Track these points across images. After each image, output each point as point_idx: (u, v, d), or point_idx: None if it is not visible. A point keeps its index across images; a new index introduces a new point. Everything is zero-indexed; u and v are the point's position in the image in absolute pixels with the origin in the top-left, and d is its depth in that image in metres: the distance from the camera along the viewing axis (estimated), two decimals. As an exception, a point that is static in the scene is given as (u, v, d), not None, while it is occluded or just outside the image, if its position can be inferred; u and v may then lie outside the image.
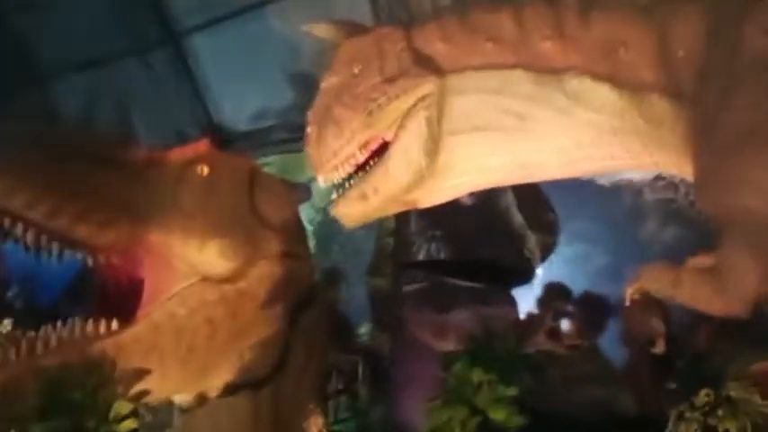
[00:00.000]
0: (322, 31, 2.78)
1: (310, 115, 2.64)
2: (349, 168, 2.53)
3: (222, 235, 2.78)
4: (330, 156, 2.51)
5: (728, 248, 1.95)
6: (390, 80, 2.42)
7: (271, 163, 5.72)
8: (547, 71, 2.28)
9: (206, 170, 2.94)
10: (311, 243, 5.29)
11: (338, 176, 2.56)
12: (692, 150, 2.09)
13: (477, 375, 2.78)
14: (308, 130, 2.62)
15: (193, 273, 2.70)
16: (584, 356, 3.92)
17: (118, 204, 2.57)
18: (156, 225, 2.63)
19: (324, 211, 5.55)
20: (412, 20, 2.93)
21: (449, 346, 3.95)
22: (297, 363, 3.02)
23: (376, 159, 2.54)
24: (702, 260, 2.18)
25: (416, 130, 2.42)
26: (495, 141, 2.40)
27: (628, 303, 2.33)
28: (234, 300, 2.78)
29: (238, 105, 5.68)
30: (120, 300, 2.70)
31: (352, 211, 2.65)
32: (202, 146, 3.05)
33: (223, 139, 5.68)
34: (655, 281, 2.18)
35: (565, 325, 4.08)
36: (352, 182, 2.60)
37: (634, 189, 4.11)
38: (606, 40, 2.20)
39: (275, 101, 5.43)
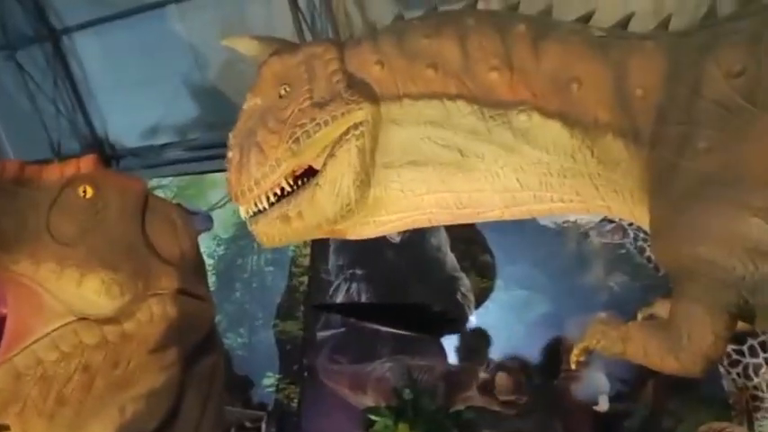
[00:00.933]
0: (243, 46, 2.76)
1: (232, 138, 2.60)
2: (272, 198, 2.51)
3: (106, 268, 2.67)
4: (252, 184, 2.49)
5: (684, 303, 2.00)
6: (320, 105, 2.42)
7: (165, 186, 5.59)
8: (492, 104, 2.31)
9: (90, 192, 2.83)
10: (211, 279, 5.17)
11: (261, 207, 2.53)
12: (650, 196, 2.16)
13: (401, 435, 2.77)
14: (229, 154, 2.58)
15: (69, 311, 2.57)
16: (521, 413, 3.99)
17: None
18: (25, 254, 2.50)
19: (226, 242, 5.47)
20: (346, 38, 2.96)
21: (368, 400, 3.93)
22: (190, 417, 2.91)
23: (304, 180, 2.54)
24: (655, 310, 2.25)
25: (347, 160, 2.43)
26: (432, 177, 2.42)
27: (573, 365, 2.32)
28: (117, 344, 2.66)
29: (129, 118, 5.53)
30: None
31: (272, 232, 2.62)
32: (87, 163, 2.94)
33: (109, 155, 5.52)
34: (601, 338, 2.20)
35: (500, 378, 4.15)
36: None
37: (580, 232, 4.26)
38: (558, 74, 2.25)
39: (173, 115, 5.32)
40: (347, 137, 2.42)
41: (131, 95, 5.50)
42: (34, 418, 2.40)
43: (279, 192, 2.50)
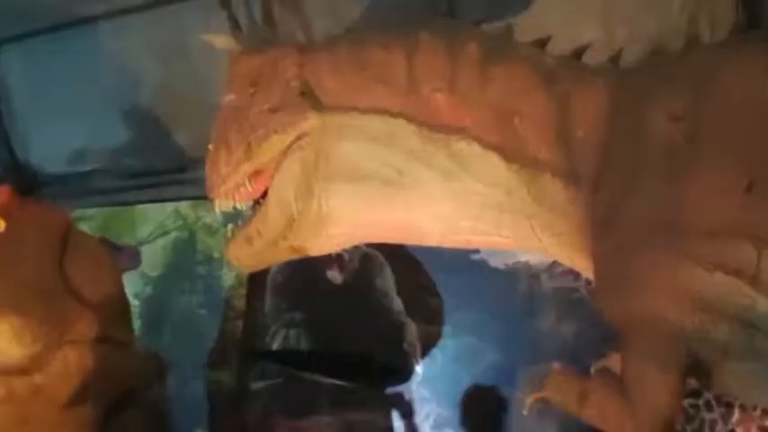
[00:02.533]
0: (220, 41, 2.88)
1: (213, 131, 2.75)
2: (240, 198, 2.68)
3: (16, 311, 2.66)
4: (220, 181, 2.65)
5: (633, 362, 2.04)
6: (274, 110, 2.53)
7: (90, 217, 5.52)
8: (434, 127, 2.37)
9: (2, 225, 2.83)
10: (138, 323, 5.10)
11: (231, 204, 2.70)
12: (592, 243, 2.21)
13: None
14: (209, 147, 2.74)
15: (-30, 360, 2.54)
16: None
17: None
18: (-76, 295, 2.47)
19: (154, 281, 5.40)
20: (311, 43, 3.06)
21: (305, 460, 3.92)
22: (105, 483, 2.88)
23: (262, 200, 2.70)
24: (609, 363, 2.31)
25: (289, 171, 2.54)
26: (374, 195, 2.48)
27: (526, 413, 2.37)
28: (25, 398, 2.64)
29: (52, 142, 5.44)
30: None
31: (240, 255, 2.80)
32: (1, 193, 2.93)
33: (30, 182, 5.42)
34: (559, 393, 2.24)
35: (447, 435, 4.17)
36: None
37: (530, 274, 4.32)
38: (502, 104, 2.31)
39: (102, 139, 5.25)
40: (293, 147, 2.53)
41: (57, 117, 5.42)
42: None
43: (246, 194, 2.67)
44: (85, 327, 2.91)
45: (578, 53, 2.45)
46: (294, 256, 2.84)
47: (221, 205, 2.71)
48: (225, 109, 2.70)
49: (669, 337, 1.95)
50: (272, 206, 2.61)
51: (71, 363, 2.81)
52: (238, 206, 2.72)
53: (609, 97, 2.23)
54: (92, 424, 2.86)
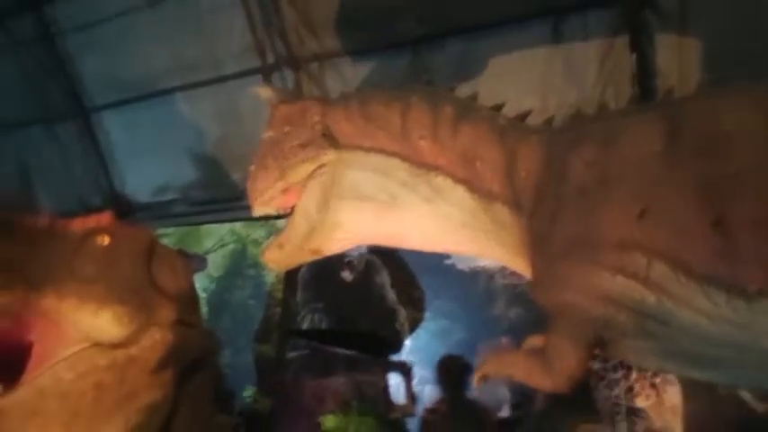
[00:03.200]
0: (265, 92, 2.95)
1: (255, 158, 2.81)
2: (273, 206, 2.73)
3: (118, 303, 2.64)
4: (258, 193, 2.69)
5: (555, 336, 2.07)
6: (303, 146, 2.59)
7: (170, 234, 5.52)
8: (419, 165, 2.43)
9: (107, 240, 2.82)
10: (205, 310, 5.11)
11: (267, 211, 2.76)
12: (529, 254, 2.24)
13: (349, 438, 2.76)
14: (251, 168, 2.80)
15: (84, 338, 2.52)
16: (444, 420, 3.99)
17: (13, 270, 2.39)
18: (51, 292, 2.46)
19: (217, 280, 5.41)
20: (331, 98, 3.11)
21: (326, 409, 3.90)
22: (182, 426, 2.86)
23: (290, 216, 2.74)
24: (535, 341, 2.33)
25: (313, 191, 2.60)
26: (371, 211, 2.55)
27: (476, 388, 2.39)
28: (124, 365, 2.62)
29: (142, 179, 5.47)
30: (7, 364, 2.48)
31: (275, 258, 2.83)
32: (105, 218, 2.93)
33: (125, 209, 5.43)
34: (494, 365, 2.27)
35: (427, 390, 4.17)
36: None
37: (487, 274, 4.34)
38: (468, 151, 2.36)
39: (178, 177, 5.29)
40: (316, 173, 2.59)
41: (145, 161, 5.46)
42: (53, 428, 2.34)
43: (279, 205, 2.73)
44: (166, 313, 2.87)
45: (522, 117, 2.49)
46: (314, 257, 2.88)
47: (258, 211, 2.76)
48: (265, 142, 2.75)
49: (582, 321, 1.99)
50: (298, 218, 2.66)
51: (156, 339, 2.77)
52: (271, 212, 2.76)
53: (543, 149, 2.26)
54: (171, 384, 2.83)
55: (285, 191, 2.67)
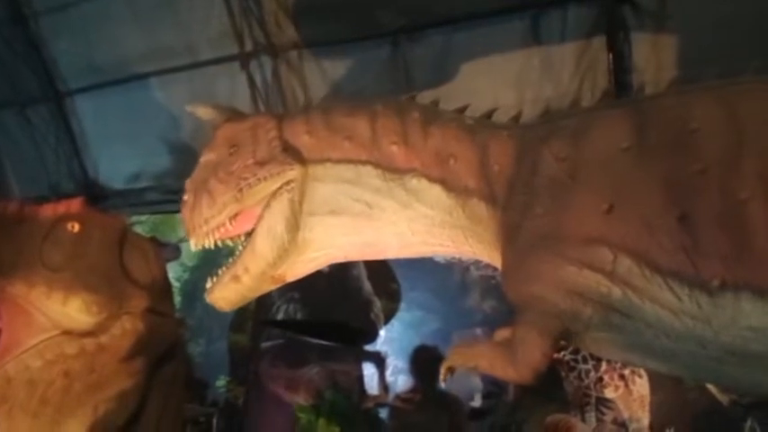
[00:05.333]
0: (204, 112, 2.78)
1: (188, 184, 2.61)
2: (219, 236, 2.50)
3: (87, 290, 2.61)
4: (202, 222, 2.49)
5: (521, 327, 2.08)
6: (261, 163, 2.45)
7: (143, 222, 5.46)
8: (392, 170, 2.39)
9: (77, 227, 2.78)
10: (177, 299, 5.07)
11: (208, 243, 2.53)
12: (502, 246, 2.25)
13: (321, 428, 2.76)
14: (185, 197, 2.59)
15: (53, 326, 2.50)
16: (417, 409, 4.04)
17: (-20, 256, 2.36)
18: (20, 279, 2.43)
19: (191, 269, 5.37)
20: (284, 112, 3.02)
21: (300, 399, 3.91)
22: (152, 414, 2.84)
23: (244, 243, 2.54)
24: (505, 333, 2.35)
25: (280, 209, 2.46)
26: (346, 223, 2.47)
27: (442, 382, 2.35)
28: (93, 353, 2.60)
29: (116, 166, 5.39)
30: (-27, 351, 2.44)
31: (228, 295, 2.61)
32: (76, 204, 2.89)
33: (98, 195, 5.35)
34: (460, 357, 2.25)
35: (401, 380, 4.20)
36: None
37: (463, 266, 4.38)
38: (440, 151, 2.35)
39: (152, 165, 5.22)
40: (281, 191, 2.46)
41: (119, 147, 5.39)
42: (20, 416, 2.33)
43: (225, 233, 2.50)
44: (137, 302, 2.85)
45: (488, 115, 2.49)
46: (275, 286, 2.69)
47: (198, 244, 2.54)
48: (204, 165, 2.58)
49: (548, 314, 2.00)
50: (260, 242, 2.48)
51: (127, 328, 2.75)
52: (214, 245, 2.53)
53: (514, 144, 2.27)
54: (142, 372, 2.81)
55: (234, 217, 2.47)
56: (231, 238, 2.57)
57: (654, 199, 1.83)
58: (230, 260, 2.58)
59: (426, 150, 2.36)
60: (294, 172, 2.45)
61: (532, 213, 2.09)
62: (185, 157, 5.02)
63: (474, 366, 2.17)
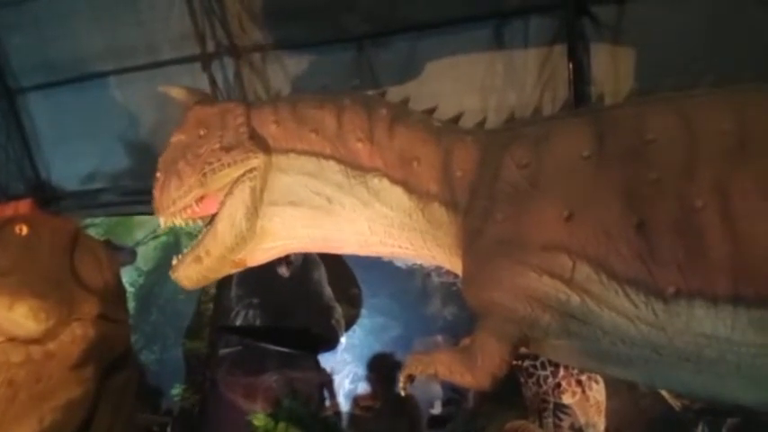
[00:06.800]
0: (176, 93, 2.80)
1: (160, 163, 2.64)
2: (186, 217, 2.56)
3: (35, 296, 2.53)
4: (170, 203, 2.52)
5: (480, 333, 2.08)
6: (227, 149, 2.47)
7: (97, 224, 5.32)
8: (355, 167, 2.39)
9: (25, 230, 2.70)
10: (132, 305, 4.92)
11: (177, 222, 2.58)
12: (461, 252, 2.25)
13: (280, 437, 2.72)
14: (157, 175, 2.62)
15: (-1, 333, 2.41)
16: (377, 417, 4.01)
17: None
18: (-39, 282, 2.33)
19: (146, 273, 5.24)
20: (254, 101, 3.00)
21: (258, 407, 3.84)
22: (103, 424, 2.76)
23: (208, 226, 2.58)
24: (468, 341, 2.34)
25: (241, 197, 2.48)
26: (306, 216, 2.48)
27: (402, 391, 2.29)
28: (40, 362, 2.51)
29: (70, 166, 5.22)
30: None
31: (190, 274, 2.63)
32: (24, 206, 2.80)
33: (50, 197, 5.17)
34: (419, 365, 2.23)
35: (361, 387, 4.17)
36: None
37: (424, 272, 4.39)
38: (405, 152, 2.35)
39: (108, 165, 5.07)
40: (243, 178, 2.48)
41: (73, 147, 5.22)
42: (-40, 427, 2.22)
43: (192, 214, 2.55)
44: (89, 308, 2.79)
45: (455, 119, 2.50)
46: (236, 270, 2.73)
47: (167, 222, 2.60)
48: (174, 146, 2.61)
49: (507, 320, 2.00)
50: (221, 227, 2.51)
51: (77, 334, 2.69)
52: (182, 223, 2.60)
53: (478, 150, 2.28)
54: (92, 380, 2.74)
55: (200, 199, 2.51)
56: (199, 218, 2.62)
57: (612, 207, 1.86)
58: (195, 241, 2.63)
59: (391, 150, 2.36)
60: (258, 160, 2.47)
61: (493, 219, 2.10)
62: (143, 158, 4.90)
63: (433, 373, 2.16)
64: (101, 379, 2.81)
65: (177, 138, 2.62)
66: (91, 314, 2.80)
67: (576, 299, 1.88)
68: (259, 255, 2.64)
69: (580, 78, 3.73)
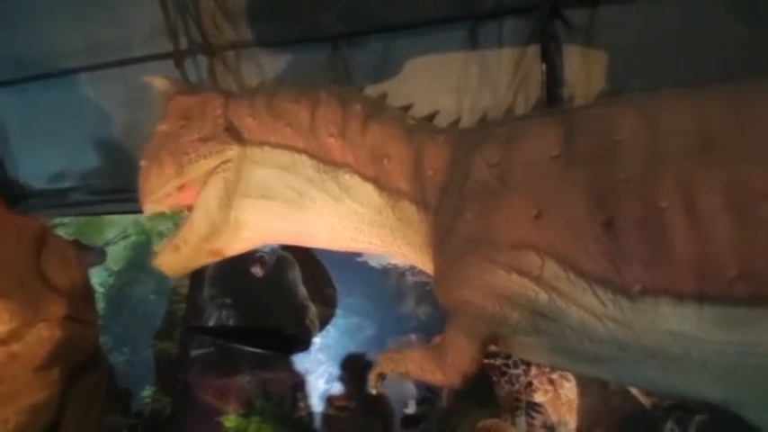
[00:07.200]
0: (159, 83, 2.82)
1: (145, 151, 2.66)
2: (166, 205, 2.61)
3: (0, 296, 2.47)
4: (150, 191, 2.56)
5: (450, 331, 2.09)
6: (204, 140, 2.49)
7: (66, 224, 5.23)
8: (327, 162, 2.41)
9: (-12, 228, 2.63)
10: (102, 306, 4.85)
11: (158, 210, 2.63)
12: (432, 251, 2.26)
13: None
14: (141, 163, 2.64)
15: (-41, 334, 2.35)
16: (352, 416, 4.01)
17: None
18: None
19: (117, 273, 5.17)
20: (234, 92, 3.01)
21: (230, 408, 3.82)
22: (70, 426, 2.71)
23: (187, 215, 2.62)
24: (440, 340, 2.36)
25: (215, 188, 2.51)
26: (278, 209, 2.49)
27: (373, 390, 2.33)
28: (4, 363, 2.45)
29: (39, 164, 5.11)
30: None
31: (169, 262, 2.67)
32: (-12, 204, 2.73)
33: (18, 195, 5.06)
34: (389, 363, 2.25)
35: (335, 388, 4.17)
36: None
37: (398, 272, 4.40)
38: (376, 149, 2.35)
39: (78, 164, 4.98)
40: (218, 169, 2.51)
41: (42, 145, 5.12)
42: None
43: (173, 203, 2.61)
44: (55, 308, 2.74)
45: (430, 117, 2.51)
46: (213, 259, 2.76)
47: (148, 210, 2.64)
48: (157, 135, 2.63)
49: (477, 318, 2.02)
50: (197, 217, 2.55)
51: (43, 335, 2.64)
52: (164, 211, 2.66)
53: (449, 149, 2.28)
54: (59, 382, 2.69)
55: (181, 188, 2.56)
56: (185, 207, 2.66)
57: (580, 206, 1.88)
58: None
59: (363, 147, 2.36)
60: (232, 152, 2.49)
61: (463, 218, 2.10)
62: (114, 157, 4.84)
63: (404, 371, 2.16)
64: (68, 381, 2.76)
65: (160, 127, 2.64)
66: (57, 315, 2.74)
67: (544, 296, 1.90)
68: (236, 245, 2.66)
69: (553, 80, 3.77)
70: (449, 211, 2.17)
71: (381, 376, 2.25)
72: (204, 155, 2.48)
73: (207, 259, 2.75)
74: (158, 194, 2.56)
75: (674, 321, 1.73)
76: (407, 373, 2.16)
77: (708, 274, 1.69)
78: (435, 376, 2.09)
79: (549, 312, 1.92)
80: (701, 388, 1.86)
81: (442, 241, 2.17)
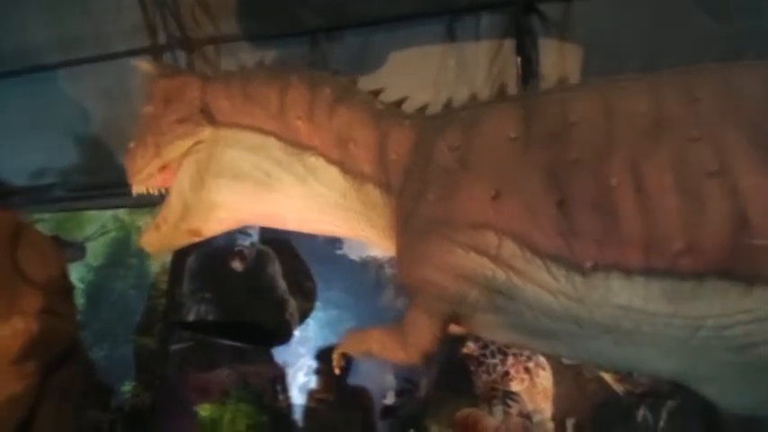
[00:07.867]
0: (147, 67, 2.88)
1: (134, 133, 2.74)
2: (151, 185, 2.67)
3: (-28, 288, 2.50)
4: (136, 171, 2.65)
5: (412, 311, 2.15)
6: (180, 121, 2.57)
7: (46, 220, 5.24)
8: (294, 144, 2.46)
9: (-39, 223, 2.66)
10: (81, 302, 4.86)
11: (144, 190, 2.69)
12: (395, 234, 2.31)
13: (226, 428, 2.74)
14: (131, 144, 2.72)
15: (-68, 326, 2.38)
16: (331, 408, 4.06)
17: None
18: None
19: (96, 269, 5.19)
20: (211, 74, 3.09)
21: (209, 401, 3.84)
22: (45, 422, 2.74)
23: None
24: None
25: (189, 168, 2.59)
26: (248, 190, 2.55)
27: (337, 370, 2.40)
28: (-22, 355, 2.48)
29: (17, 161, 5.13)
30: None
31: (152, 241, 2.75)
32: (-39, 198, 2.76)
33: (-5, 191, 5.08)
34: (352, 343, 2.30)
35: (315, 380, 4.21)
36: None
37: (377, 264, 4.45)
38: (342, 133, 2.40)
39: (57, 160, 5.01)
40: (192, 150, 2.59)
41: (22, 142, 5.12)
42: None
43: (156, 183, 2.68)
44: (31, 301, 2.76)
45: (398, 103, 2.55)
46: (193, 239, 2.81)
47: (136, 189, 2.70)
48: (144, 117, 2.70)
49: (437, 297, 2.07)
50: (173, 196, 2.62)
51: (18, 328, 2.67)
52: (151, 191, 2.71)
53: (414, 134, 2.34)
54: (35, 375, 2.71)
55: (162, 168, 2.62)
56: (167, 187, 2.71)
57: (536, 186, 1.94)
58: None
59: (329, 130, 2.41)
60: (205, 133, 2.56)
61: (425, 200, 2.16)
62: (93, 153, 4.87)
63: (366, 350, 2.22)
64: (44, 375, 2.78)
65: (146, 109, 2.72)
66: (33, 308, 2.77)
67: (501, 274, 1.96)
68: (212, 225, 2.72)
69: (528, 73, 3.86)
70: (412, 194, 2.22)
71: (344, 356, 2.29)
72: (180, 136, 2.55)
73: (187, 239, 2.80)
74: (142, 174, 2.63)
75: (624, 295, 1.80)
76: (370, 351, 2.21)
77: (654, 248, 1.75)
78: (397, 355, 2.13)
79: (506, 290, 1.98)
80: (654, 362, 1.93)
81: (405, 224, 2.22)
